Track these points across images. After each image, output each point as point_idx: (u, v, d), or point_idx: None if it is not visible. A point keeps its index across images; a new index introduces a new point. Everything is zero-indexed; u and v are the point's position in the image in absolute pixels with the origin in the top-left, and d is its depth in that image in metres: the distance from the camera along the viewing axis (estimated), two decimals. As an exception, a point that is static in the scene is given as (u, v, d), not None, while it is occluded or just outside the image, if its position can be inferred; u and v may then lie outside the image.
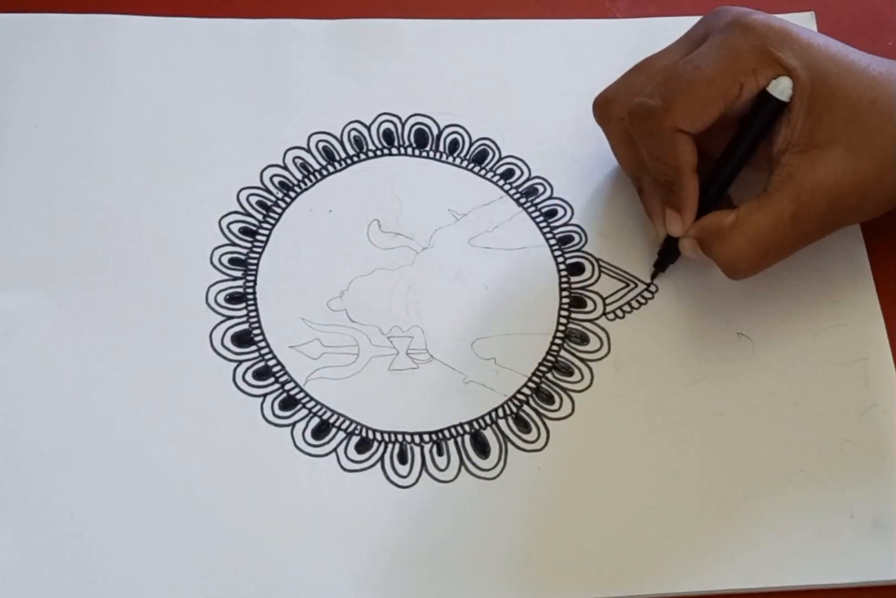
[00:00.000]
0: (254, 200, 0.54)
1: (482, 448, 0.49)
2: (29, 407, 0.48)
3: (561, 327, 0.52)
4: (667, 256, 0.52)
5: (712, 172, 0.50)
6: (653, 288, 0.53)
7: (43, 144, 0.54)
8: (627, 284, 0.53)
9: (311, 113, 0.56)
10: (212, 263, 0.52)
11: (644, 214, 0.52)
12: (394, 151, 0.56)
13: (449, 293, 0.52)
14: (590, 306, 0.53)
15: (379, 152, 0.56)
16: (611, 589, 0.46)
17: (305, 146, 0.55)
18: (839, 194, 0.47)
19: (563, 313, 0.52)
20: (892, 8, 0.60)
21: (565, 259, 0.54)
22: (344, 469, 0.48)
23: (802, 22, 0.59)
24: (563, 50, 0.59)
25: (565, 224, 0.54)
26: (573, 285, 0.53)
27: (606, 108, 0.52)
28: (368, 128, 0.56)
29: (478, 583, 0.46)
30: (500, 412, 0.50)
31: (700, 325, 0.52)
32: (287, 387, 0.50)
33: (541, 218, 0.55)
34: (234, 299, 0.52)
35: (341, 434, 0.49)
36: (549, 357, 0.51)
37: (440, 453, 0.49)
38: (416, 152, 0.56)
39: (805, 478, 0.49)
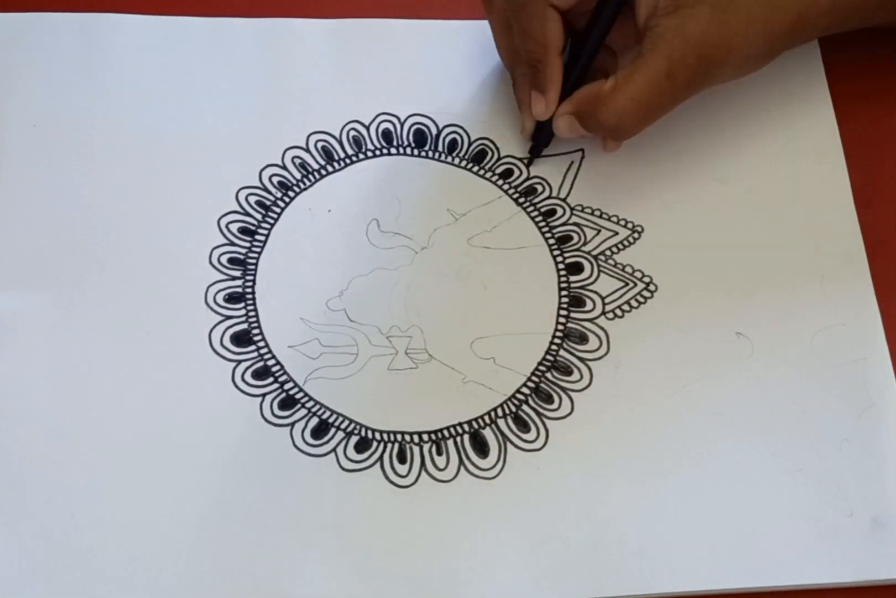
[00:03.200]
0: (253, 199, 0.54)
1: (481, 448, 0.49)
2: (29, 407, 0.48)
3: (560, 327, 0.52)
4: (539, 141, 0.55)
5: (574, 47, 0.52)
6: (652, 287, 0.53)
7: (42, 144, 0.54)
8: (627, 284, 0.53)
9: (310, 113, 0.56)
10: (211, 262, 0.52)
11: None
12: (392, 150, 0.56)
13: (448, 293, 0.52)
14: (589, 305, 0.53)
15: (378, 152, 0.56)
16: (611, 589, 0.47)
17: (304, 146, 0.55)
18: (707, 48, 0.50)
19: (563, 312, 0.52)
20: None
21: (564, 259, 0.54)
22: (343, 469, 0.48)
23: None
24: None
25: (564, 224, 0.54)
26: (572, 285, 0.53)
27: None
28: (367, 128, 0.56)
29: (477, 583, 0.46)
30: (500, 412, 0.50)
31: (700, 324, 0.52)
32: (286, 387, 0.50)
33: (539, 218, 0.55)
34: (233, 298, 0.52)
35: (340, 434, 0.49)
36: (549, 357, 0.51)
37: (439, 453, 0.49)
38: (415, 152, 0.56)
39: (804, 477, 0.49)
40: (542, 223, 0.54)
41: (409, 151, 0.56)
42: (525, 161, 0.56)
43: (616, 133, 0.52)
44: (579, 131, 0.53)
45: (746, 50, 0.51)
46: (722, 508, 0.48)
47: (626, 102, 0.50)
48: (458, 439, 0.49)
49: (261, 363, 0.50)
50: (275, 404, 0.49)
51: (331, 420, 0.49)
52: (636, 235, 0.54)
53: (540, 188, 0.55)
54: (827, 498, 0.48)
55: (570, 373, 0.51)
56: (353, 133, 0.56)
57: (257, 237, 0.53)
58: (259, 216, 0.54)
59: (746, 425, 0.50)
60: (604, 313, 0.52)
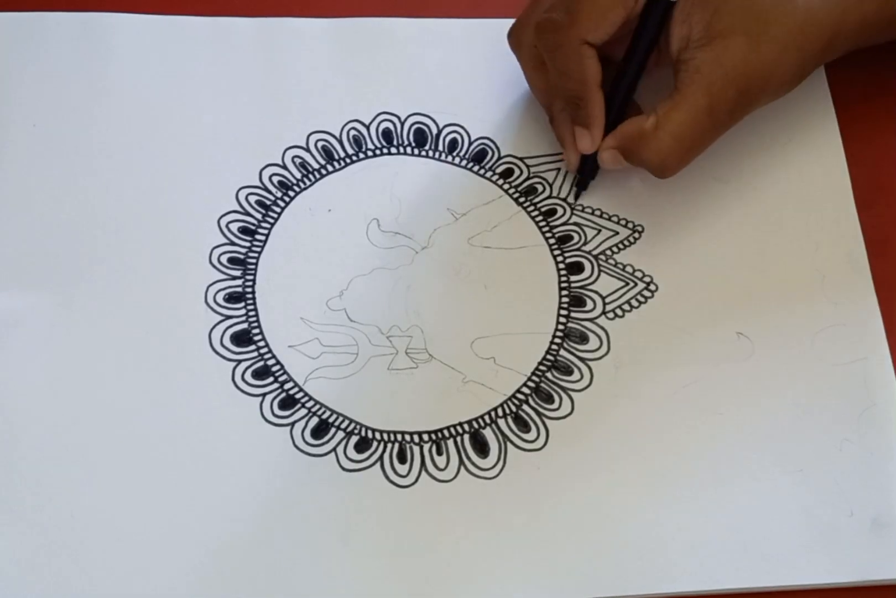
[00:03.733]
0: (253, 199, 0.54)
1: (482, 448, 0.49)
2: (28, 407, 0.48)
3: (560, 327, 0.52)
4: (585, 174, 0.54)
5: (614, 80, 0.52)
6: (652, 287, 0.53)
7: (42, 144, 0.54)
8: (627, 283, 0.53)
9: (310, 112, 0.56)
10: (211, 262, 0.52)
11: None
12: (393, 150, 0.56)
13: (448, 293, 0.52)
14: (589, 305, 0.53)
15: (378, 152, 0.56)
16: (610, 589, 0.47)
17: (304, 145, 0.55)
18: (746, 80, 0.49)
19: (563, 312, 0.52)
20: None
21: (564, 258, 0.54)
22: (343, 469, 0.48)
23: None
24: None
25: (564, 223, 0.54)
26: (572, 284, 0.53)
27: (519, 34, 0.54)
28: (367, 127, 0.56)
29: (477, 583, 0.46)
30: (500, 412, 0.50)
31: (700, 324, 0.52)
32: (286, 387, 0.50)
33: (540, 217, 0.55)
34: (233, 298, 0.52)
35: (340, 434, 0.49)
36: (549, 356, 0.51)
37: (439, 453, 0.49)
38: (416, 152, 0.56)
39: (804, 477, 0.49)
40: (543, 223, 0.54)
41: (409, 150, 0.56)
42: (574, 197, 0.55)
43: (659, 172, 0.51)
44: (623, 164, 0.52)
45: (782, 77, 0.51)
46: (722, 508, 0.48)
47: (669, 142, 0.50)
48: (459, 438, 0.49)
49: (261, 363, 0.50)
50: (275, 403, 0.49)
51: (331, 420, 0.49)
52: (637, 234, 0.54)
53: (540, 188, 0.55)
54: (827, 498, 0.48)
55: (570, 373, 0.51)
56: (353, 133, 0.56)
57: (257, 237, 0.53)
58: (259, 216, 0.54)
59: (746, 425, 0.50)
60: (604, 312, 0.52)
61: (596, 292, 0.53)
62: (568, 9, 0.50)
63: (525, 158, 0.56)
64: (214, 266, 0.52)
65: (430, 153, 0.56)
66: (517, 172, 0.55)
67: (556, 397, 0.50)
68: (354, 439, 0.49)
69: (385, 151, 0.56)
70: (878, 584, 0.48)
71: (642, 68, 0.52)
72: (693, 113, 0.49)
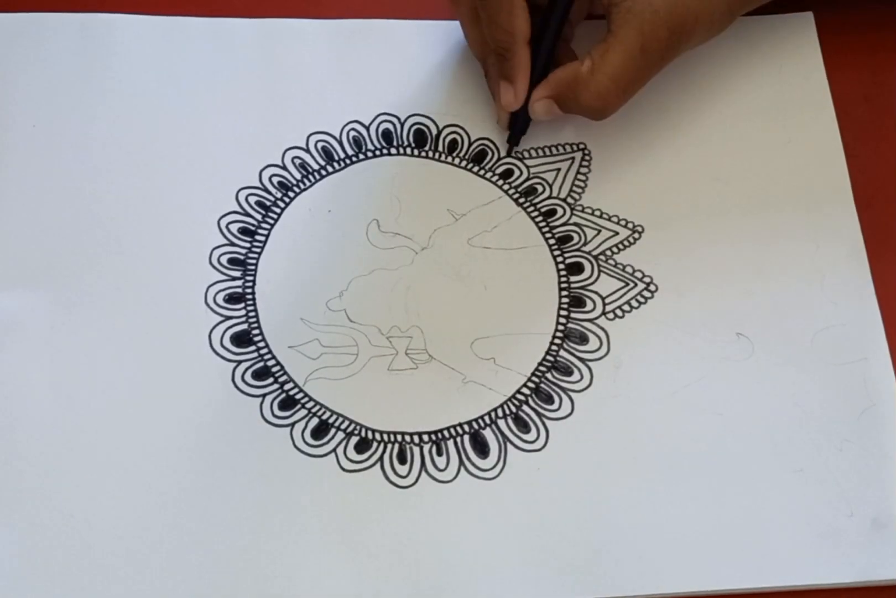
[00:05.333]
0: (253, 200, 0.54)
1: (482, 448, 0.49)
2: (28, 407, 0.48)
3: (560, 327, 0.52)
4: (516, 130, 0.55)
5: (540, 30, 0.52)
6: (652, 287, 0.53)
7: (42, 144, 0.54)
8: (627, 284, 0.53)
9: (310, 113, 0.56)
10: (211, 263, 0.52)
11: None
12: (393, 151, 0.56)
13: (448, 293, 0.52)
14: (589, 305, 0.53)
15: (378, 152, 0.56)
16: (611, 589, 0.47)
17: (304, 146, 0.55)
18: (677, 19, 0.51)
19: (563, 312, 0.52)
20: (891, 8, 0.60)
21: (564, 259, 0.54)
22: (343, 469, 0.48)
23: (801, 22, 0.59)
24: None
25: (564, 224, 0.54)
26: (572, 285, 0.53)
27: None
28: (367, 128, 0.56)
29: (477, 583, 0.46)
30: (500, 412, 0.50)
31: (700, 325, 0.52)
32: (286, 387, 0.50)
33: (540, 218, 0.54)
34: (233, 299, 0.52)
35: (340, 434, 0.49)
36: (549, 357, 0.51)
37: (439, 454, 0.49)
38: (415, 152, 0.56)
39: (804, 478, 0.49)
40: (543, 223, 0.54)
41: (409, 151, 0.56)
42: (507, 153, 0.56)
43: (598, 114, 0.52)
44: (557, 114, 0.53)
45: (711, 16, 0.52)
46: (722, 508, 0.48)
47: (607, 83, 0.51)
48: (459, 439, 0.49)
49: (261, 364, 0.50)
50: (275, 404, 0.49)
51: (331, 421, 0.49)
52: (636, 235, 0.54)
53: (540, 188, 0.55)
54: (827, 498, 0.48)
55: (570, 373, 0.51)
56: (353, 133, 0.56)
57: (257, 238, 0.53)
58: (259, 216, 0.54)
59: (747, 426, 0.50)
60: (604, 313, 0.52)
61: (596, 293, 0.53)
62: None
63: (525, 150, 0.56)
64: (214, 267, 0.52)
65: (430, 154, 0.56)
66: (517, 172, 0.55)
67: (556, 398, 0.50)
68: (354, 439, 0.49)
69: (385, 151, 0.56)
70: (878, 584, 0.48)
71: (567, 12, 0.53)
72: (627, 53, 0.50)
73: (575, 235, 0.54)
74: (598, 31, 0.52)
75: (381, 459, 0.49)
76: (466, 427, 0.50)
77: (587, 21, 0.57)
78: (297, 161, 0.55)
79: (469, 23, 0.55)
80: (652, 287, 0.53)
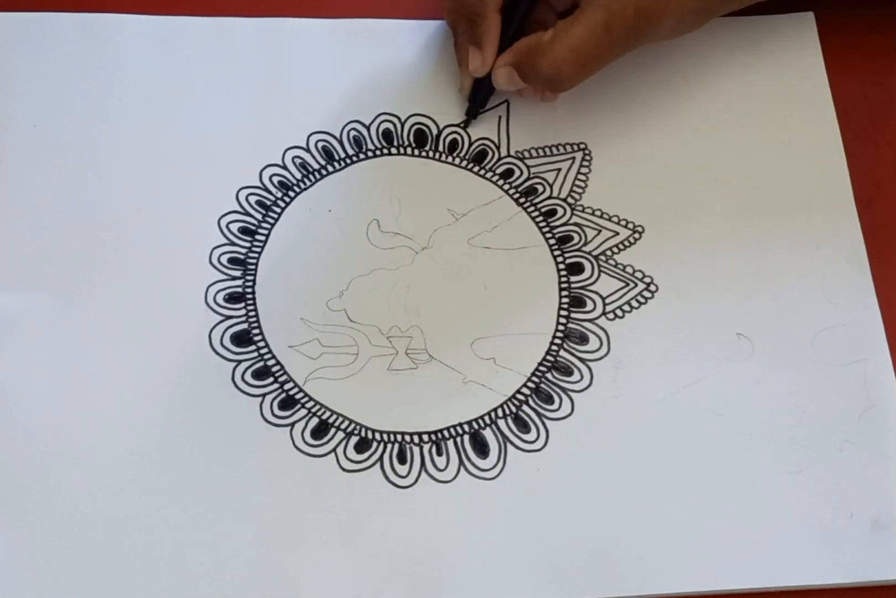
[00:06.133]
0: (253, 199, 0.54)
1: (481, 448, 0.49)
2: (28, 406, 0.48)
3: (560, 327, 0.52)
4: (476, 101, 0.55)
5: (513, 1, 0.53)
6: (652, 287, 0.53)
7: (43, 144, 0.54)
8: (627, 284, 0.53)
9: (310, 112, 0.56)
10: (211, 262, 0.52)
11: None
12: (393, 150, 0.56)
13: (448, 293, 0.52)
14: (589, 305, 0.53)
15: (378, 152, 0.56)
16: (610, 589, 0.47)
17: (305, 146, 0.55)
18: (646, 1, 0.51)
19: (563, 312, 0.52)
20: (891, 8, 0.60)
21: (565, 259, 0.54)
22: (343, 469, 0.48)
23: (802, 22, 0.59)
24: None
25: (565, 224, 0.54)
26: (573, 285, 0.53)
27: None
28: (368, 128, 0.56)
29: (477, 583, 0.46)
30: (500, 412, 0.50)
31: (700, 324, 0.52)
32: (286, 387, 0.50)
33: (540, 218, 0.54)
34: (233, 298, 0.52)
35: (340, 434, 0.49)
36: (549, 357, 0.51)
37: (439, 454, 0.49)
38: (416, 152, 0.56)
39: (804, 478, 0.49)
40: (543, 223, 0.54)
41: (409, 151, 0.56)
42: (462, 124, 0.56)
43: (554, 84, 0.53)
44: (518, 83, 0.53)
45: (682, 6, 0.52)
46: (722, 508, 0.48)
47: (565, 53, 0.51)
48: (459, 439, 0.49)
49: (261, 363, 0.50)
50: (275, 404, 0.49)
51: (331, 420, 0.49)
52: (637, 235, 0.54)
53: (540, 188, 0.55)
54: (827, 499, 0.48)
55: (570, 373, 0.51)
56: (353, 133, 0.56)
57: (257, 237, 0.53)
58: (259, 216, 0.54)
59: (747, 426, 0.50)
60: (604, 313, 0.52)
61: (596, 293, 0.53)
62: None
63: (525, 150, 0.56)
64: (214, 266, 0.52)
65: (431, 154, 0.56)
66: (517, 172, 0.55)
67: (556, 398, 0.50)
68: (354, 439, 0.49)
69: (385, 151, 0.56)
70: (878, 584, 0.48)
71: None
72: (590, 27, 0.50)
73: (575, 235, 0.54)
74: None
75: (380, 459, 0.49)
76: (466, 427, 0.50)
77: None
78: (298, 161, 0.55)
79: None
80: (652, 287, 0.53)
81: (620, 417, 0.50)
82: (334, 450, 0.49)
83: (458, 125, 0.56)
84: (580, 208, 0.55)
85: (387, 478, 0.48)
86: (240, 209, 0.54)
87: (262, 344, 0.51)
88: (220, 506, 0.47)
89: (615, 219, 0.54)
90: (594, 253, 0.54)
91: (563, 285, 0.53)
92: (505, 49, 0.53)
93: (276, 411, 0.49)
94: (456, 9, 0.54)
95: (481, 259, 0.53)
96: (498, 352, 0.51)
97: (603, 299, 0.53)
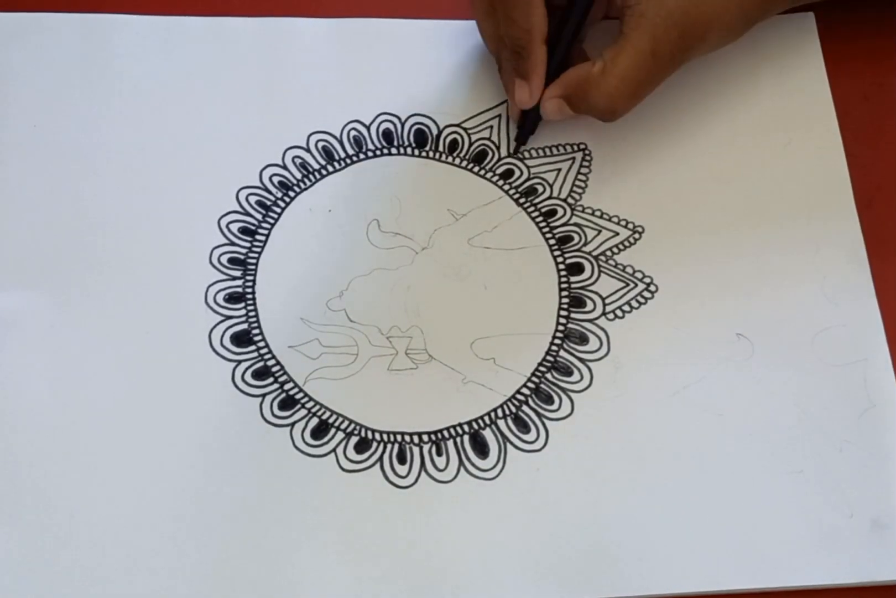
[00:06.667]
0: (253, 199, 0.54)
1: (481, 449, 0.49)
2: (28, 407, 0.48)
3: (560, 327, 0.52)
4: (525, 127, 0.55)
5: (557, 29, 0.53)
6: (652, 288, 0.53)
7: (43, 144, 0.54)
8: (627, 284, 0.53)
9: (310, 112, 0.56)
10: (211, 262, 0.52)
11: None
12: (393, 150, 0.56)
13: (448, 293, 0.52)
14: (589, 305, 0.53)
15: (378, 152, 0.56)
16: (610, 589, 0.47)
17: (305, 146, 0.55)
18: (688, 22, 0.51)
19: (563, 312, 0.52)
20: (892, 8, 0.60)
21: (565, 259, 0.54)
22: (343, 469, 0.48)
23: (802, 22, 0.59)
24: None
25: (565, 224, 0.54)
26: (573, 285, 0.53)
27: None
28: (368, 127, 0.56)
29: (476, 583, 0.46)
30: (500, 413, 0.50)
31: (700, 325, 0.52)
32: (286, 387, 0.50)
33: (540, 218, 0.54)
34: (233, 298, 0.52)
35: (340, 434, 0.49)
36: (549, 357, 0.51)
37: (439, 454, 0.49)
38: (416, 152, 0.56)
39: (804, 478, 0.49)
40: (543, 223, 0.54)
41: (409, 151, 0.56)
42: (512, 151, 0.56)
43: (608, 115, 0.52)
44: (568, 114, 0.53)
45: (726, 23, 0.52)
46: (722, 509, 0.48)
47: (617, 84, 0.51)
48: (458, 439, 0.49)
49: (261, 363, 0.50)
50: (275, 404, 0.49)
51: (331, 421, 0.49)
52: (637, 235, 0.54)
53: (540, 188, 0.55)
54: (827, 499, 0.48)
55: (570, 374, 0.51)
56: (353, 133, 0.56)
57: (257, 237, 0.53)
58: (259, 216, 0.54)
59: (747, 426, 0.50)
60: (604, 313, 0.52)
61: (596, 293, 0.53)
62: None
63: (525, 150, 0.56)
64: (215, 266, 0.52)
65: (431, 154, 0.56)
66: (517, 172, 0.55)
67: (556, 398, 0.50)
68: (354, 439, 0.49)
69: (385, 151, 0.56)
70: (878, 585, 0.48)
71: (585, 14, 0.53)
72: (638, 56, 0.51)
73: (575, 236, 0.54)
74: (609, 32, 0.52)
75: (380, 459, 0.49)
76: (466, 427, 0.50)
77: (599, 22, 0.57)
78: (298, 161, 0.55)
79: (484, 17, 0.54)
80: (652, 288, 0.53)
81: (620, 417, 0.50)
82: (334, 450, 0.49)
83: (510, 155, 0.56)
84: (580, 209, 0.55)
85: (387, 478, 0.48)
86: (240, 209, 0.54)
87: (262, 344, 0.51)
88: (220, 506, 0.47)
89: (615, 219, 0.54)
90: (594, 253, 0.54)
91: (563, 286, 0.53)
92: (551, 78, 0.53)
93: (276, 412, 0.49)
94: (498, 38, 0.54)
95: (481, 259, 0.53)
96: (498, 352, 0.51)
97: (603, 299, 0.53)
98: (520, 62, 0.53)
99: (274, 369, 0.50)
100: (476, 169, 0.55)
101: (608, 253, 0.54)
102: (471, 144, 0.56)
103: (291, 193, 0.54)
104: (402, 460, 0.49)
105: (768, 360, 0.51)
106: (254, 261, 0.52)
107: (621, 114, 0.53)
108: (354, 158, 0.55)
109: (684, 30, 0.51)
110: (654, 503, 0.48)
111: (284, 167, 0.55)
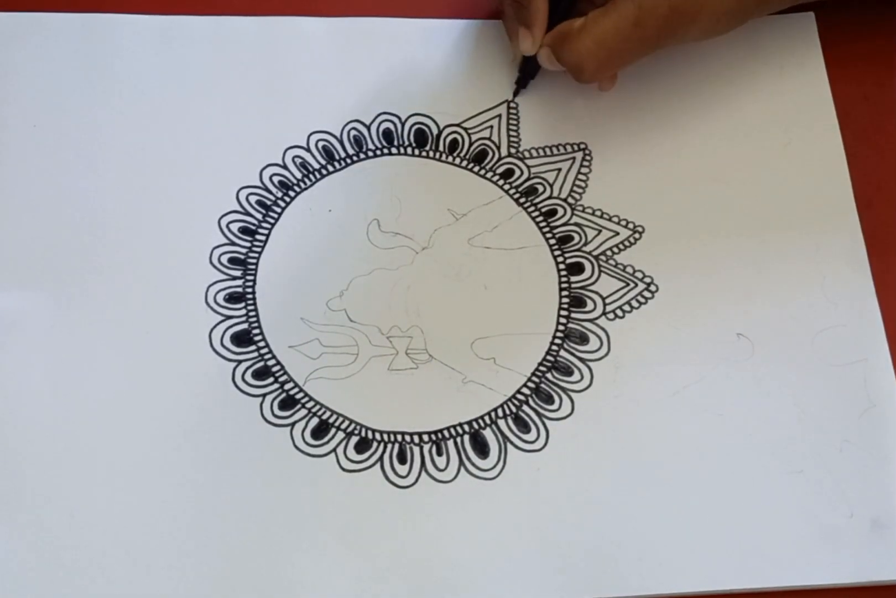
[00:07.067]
0: (253, 199, 0.54)
1: (482, 448, 0.49)
2: (28, 407, 0.48)
3: (560, 327, 0.52)
4: (525, 72, 0.56)
5: None
6: (653, 287, 0.53)
7: (42, 144, 0.54)
8: (627, 284, 0.53)
9: (310, 112, 0.56)
10: (211, 262, 0.52)
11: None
12: (393, 150, 0.56)
13: (448, 293, 0.52)
14: (589, 305, 0.53)
15: (378, 152, 0.56)
16: (610, 589, 0.47)
17: (305, 145, 0.55)
18: (680, 1, 0.50)
19: (563, 312, 0.52)
20: (892, 8, 0.60)
21: (565, 259, 0.54)
22: (343, 469, 0.48)
23: (802, 23, 0.59)
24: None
25: (565, 224, 0.54)
26: (573, 285, 0.53)
27: None
28: (368, 127, 0.56)
29: (477, 583, 0.46)
30: (500, 412, 0.50)
31: (700, 325, 0.52)
32: (286, 387, 0.50)
33: (540, 218, 0.54)
34: (233, 298, 0.52)
35: (341, 434, 0.49)
36: (549, 357, 0.51)
37: (439, 454, 0.49)
38: (416, 152, 0.56)
39: (804, 478, 0.49)
40: (543, 223, 0.54)
41: (409, 150, 0.56)
42: (513, 94, 0.57)
43: (576, 73, 0.52)
44: (557, 65, 0.53)
45: (718, 10, 0.51)
46: (722, 509, 0.48)
47: (589, 44, 0.51)
48: (459, 439, 0.49)
49: (261, 363, 0.50)
50: (275, 404, 0.49)
51: (331, 420, 0.49)
52: (637, 235, 0.54)
53: (541, 188, 0.55)
54: (827, 499, 0.48)
55: (570, 373, 0.51)
56: (353, 133, 0.56)
57: (258, 237, 0.53)
58: (259, 216, 0.54)
59: (746, 426, 0.50)
60: (604, 313, 0.52)
61: (596, 293, 0.53)
62: None
63: (525, 150, 0.56)
64: (215, 266, 0.52)
65: (431, 154, 0.56)
66: (517, 172, 0.55)
67: (557, 398, 0.50)
68: (354, 439, 0.49)
69: (386, 151, 0.56)
70: (878, 584, 0.48)
71: None
72: (619, 21, 0.50)
73: (575, 235, 0.54)
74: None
75: (381, 459, 0.49)
76: (466, 427, 0.50)
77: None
78: (298, 160, 0.55)
79: None
80: (652, 287, 0.53)
81: (620, 417, 0.50)
82: (334, 450, 0.49)
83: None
84: (580, 208, 0.55)
85: (387, 478, 0.48)
86: (240, 209, 0.54)
87: (262, 344, 0.51)
88: (220, 506, 0.47)
89: (615, 219, 0.54)
90: (594, 253, 0.54)
91: (564, 285, 0.53)
92: (553, 26, 0.53)
93: (277, 411, 0.49)
94: None
95: (481, 259, 0.53)
96: (498, 352, 0.51)
97: (603, 299, 0.53)
98: (523, 11, 0.53)
99: (274, 369, 0.50)
100: (476, 169, 0.55)
101: (608, 253, 0.54)
102: (471, 144, 0.56)
103: (292, 193, 0.54)
104: (402, 460, 0.49)
105: (768, 360, 0.51)
106: (254, 261, 0.52)
107: (589, 76, 0.52)
108: (355, 158, 0.55)
109: (674, 6, 0.50)
110: (654, 502, 0.48)
111: (285, 167, 0.55)
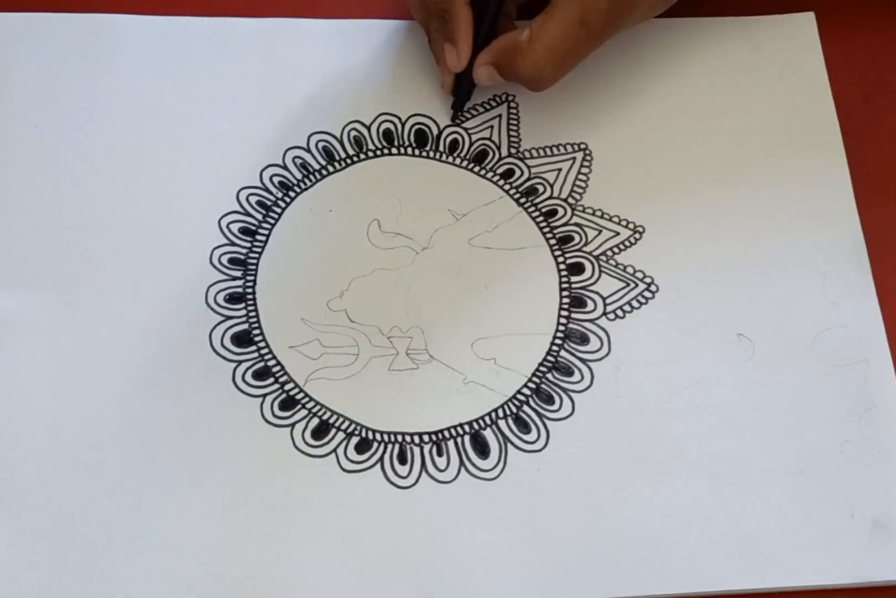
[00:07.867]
0: (253, 199, 0.54)
1: (482, 449, 0.49)
2: (28, 407, 0.48)
3: (561, 327, 0.52)
4: (461, 94, 0.55)
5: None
6: (653, 288, 0.53)
7: (42, 144, 0.54)
8: (628, 284, 0.53)
9: (310, 112, 0.56)
10: (211, 262, 0.52)
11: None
12: (394, 150, 0.56)
13: (449, 293, 0.52)
14: (590, 305, 0.53)
15: (379, 152, 0.56)
16: (611, 590, 0.47)
17: (305, 146, 0.55)
18: None
19: (564, 313, 0.52)
20: (892, 8, 0.60)
21: (565, 259, 0.54)
22: (343, 470, 0.48)
23: (802, 22, 0.59)
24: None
25: (565, 224, 0.54)
26: (573, 285, 0.53)
27: None
28: (368, 128, 0.56)
29: (477, 584, 0.46)
30: (500, 413, 0.50)
31: (700, 325, 0.52)
32: (287, 387, 0.50)
33: (541, 218, 0.54)
34: (233, 298, 0.52)
35: (341, 435, 0.49)
36: (550, 357, 0.51)
37: (440, 454, 0.49)
38: (416, 152, 0.56)
39: (805, 479, 0.49)
40: (544, 223, 0.54)
41: (410, 151, 0.56)
42: (451, 119, 0.56)
43: (534, 84, 0.52)
44: (499, 81, 0.53)
45: None
46: (722, 509, 0.48)
47: (544, 53, 0.51)
48: (459, 439, 0.49)
49: (261, 364, 0.50)
50: (275, 404, 0.49)
51: (331, 421, 0.49)
52: (637, 235, 0.54)
53: (541, 188, 0.55)
54: (828, 500, 0.48)
55: (571, 374, 0.51)
56: (353, 133, 0.56)
57: (258, 237, 0.53)
58: (260, 216, 0.54)
59: (747, 427, 0.50)
60: (605, 313, 0.52)
61: (597, 293, 0.53)
62: None
63: (526, 150, 0.56)
64: (215, 267, 0.52)
65: (431, 154, 0.56)
66: (518, 172, 0.55)
67: (557, 398, 0.50)
68: (355, 439, 0.49)
69: (386, 151, 0.56)
70: (879, 585, 0.48)
71: None
72: (566, 24, 0.50)
73: (576, 236, 0.54)
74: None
75: (381, 459, 0.49)
76: (467, 428, 0.50)
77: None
78: (298, 161, 0.55)
79: None
80: (653, 288, 0.53)
81: (621, 417, 0.50)
82: (335, 450, 0.49)
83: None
84: (581, 208, 0.55)
85: (387, 478, 0.48)
86: (240, 209, 0.54)
87: (262, 344, 0.51)
88: (221, 506, 0.47)
89: (616, 219, 0.54)
90: (595, 253, 0.54)
91: (564, 286, 0.53)
92: (481, 42, 0.53)
93: (277, 412, 0.49)
94: (424, 6, 0.54)
95: (482, 259, 0.53)
96: (498, 352, 0.51)
97: (603, 299, 0.53)
98: (445, 26, 0.53)
99: (274, 370, 0.50)
100: (476, 169, 0.55)
101: (609, 253, 0.54)
102: (471, 144, 0.56)
103: (292, 194, 0.54)
104: (402, 461, 0.49)
105: (769, 360, 0.51)
106: (254, 261, 0.52)
107: (549, 83, 0.52)
108: (355, 159, 0.55)
109: None
110: (655, 503, 0.48)
111: (285, 167, 0.55)
